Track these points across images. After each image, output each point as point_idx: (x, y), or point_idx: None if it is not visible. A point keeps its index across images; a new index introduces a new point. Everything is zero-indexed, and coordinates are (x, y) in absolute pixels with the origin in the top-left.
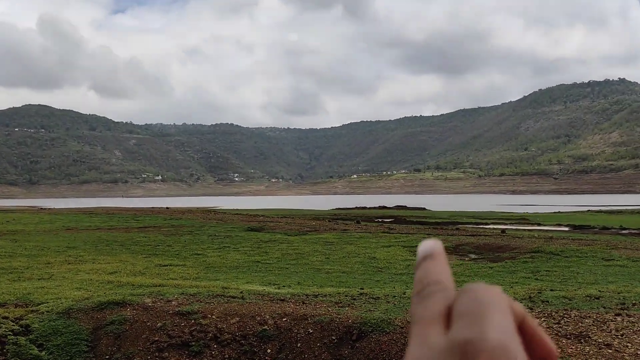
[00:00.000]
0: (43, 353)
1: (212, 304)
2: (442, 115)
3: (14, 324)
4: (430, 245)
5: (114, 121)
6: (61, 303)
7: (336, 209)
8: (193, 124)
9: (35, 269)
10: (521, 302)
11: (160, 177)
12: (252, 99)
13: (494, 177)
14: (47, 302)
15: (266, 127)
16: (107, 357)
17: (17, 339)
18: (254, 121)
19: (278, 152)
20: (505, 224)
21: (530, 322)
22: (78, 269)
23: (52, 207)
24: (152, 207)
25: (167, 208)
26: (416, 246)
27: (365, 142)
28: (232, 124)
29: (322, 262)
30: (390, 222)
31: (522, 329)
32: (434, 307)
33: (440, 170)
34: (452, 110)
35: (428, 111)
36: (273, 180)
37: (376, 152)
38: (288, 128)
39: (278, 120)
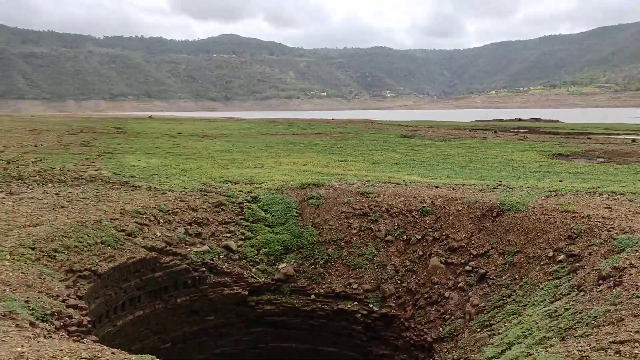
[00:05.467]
0: (268, 215)
1: (383, 187)
2: (580, 33)
3: (246, 195)
4: None
5: (288, 47)
6: (275, 183)
7: (476, 121)
8: (352, 47)
9: (250, 161)
10: None
11: (325, 94)
12: (398, 23)
13: (630, 92)
14: (265, 182)
15: (415, 49)
16: (310, 220)
17: (250, 205)
18: (400, 42)
19: (424, 72)
20: (637, 135)
21: None
22: (279, 162)
23: (244, 117)
24: (321, 118)
25: (332, 119)
26: (548, 152)
27: (504, 61)
28: (384, 46)
29: (466, 161)
30: (525, 132)
31: None
32: None
33: (576, 85)
34: (591, 28)
35: (565, 29)
36: (420, 96)
37: (514, 70)
38: (434, 49)
39: (420, 41)
